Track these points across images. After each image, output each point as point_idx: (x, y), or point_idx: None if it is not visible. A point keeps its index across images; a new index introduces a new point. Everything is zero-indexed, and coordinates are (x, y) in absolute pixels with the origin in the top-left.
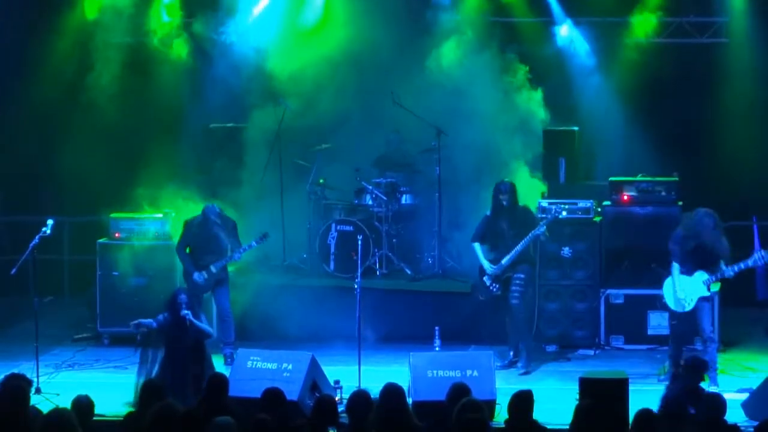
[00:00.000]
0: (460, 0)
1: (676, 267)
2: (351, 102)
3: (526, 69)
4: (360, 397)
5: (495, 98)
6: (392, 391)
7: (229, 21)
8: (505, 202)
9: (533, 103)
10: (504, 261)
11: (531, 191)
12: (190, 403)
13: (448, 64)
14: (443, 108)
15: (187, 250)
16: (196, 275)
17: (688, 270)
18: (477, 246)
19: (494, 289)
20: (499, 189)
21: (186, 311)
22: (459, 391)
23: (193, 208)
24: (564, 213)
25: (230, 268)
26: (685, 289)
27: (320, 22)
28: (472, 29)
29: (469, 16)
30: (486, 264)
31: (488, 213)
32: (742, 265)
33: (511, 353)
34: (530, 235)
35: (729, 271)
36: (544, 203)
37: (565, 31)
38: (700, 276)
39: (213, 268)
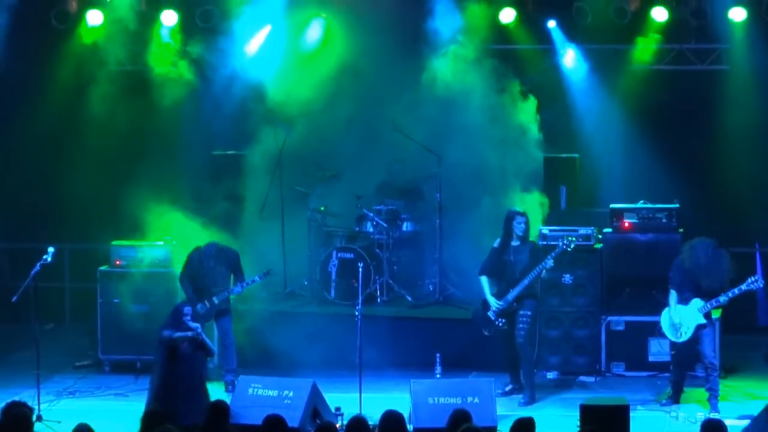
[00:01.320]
0: (461, 27)
1: (673, 295)
2: (351, 128)
3: (517, 82)
4: (358, 423)
5: (490, 112)
6: (392, 418)
7: (230, 48)
8: (520, 232)
9: (526, 114)
10: (510, 296)
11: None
12: (198, 419)
13: (444, 80)
14: (442, 129)
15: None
16: (198, 306)
17: (685, 299)
18: (484, 280)
19: (500, 324)
20: (513, 218)
21: (196, 324)
22: (460, 417)
23: (195, 236)
24: (572, 247)
25: (231, 297)
26: (682, 317)
27: (319, 49)
28: (471, 53)
29: (470, 44)
30: (492, 300)
31: (496, 245)
32: (736, 291)
33: (512, 384)
34: (537, 268)
35: (723, 297)
36: (545, 231)
37: (570, 58)
38: (696, 303)
39: (215, 300)
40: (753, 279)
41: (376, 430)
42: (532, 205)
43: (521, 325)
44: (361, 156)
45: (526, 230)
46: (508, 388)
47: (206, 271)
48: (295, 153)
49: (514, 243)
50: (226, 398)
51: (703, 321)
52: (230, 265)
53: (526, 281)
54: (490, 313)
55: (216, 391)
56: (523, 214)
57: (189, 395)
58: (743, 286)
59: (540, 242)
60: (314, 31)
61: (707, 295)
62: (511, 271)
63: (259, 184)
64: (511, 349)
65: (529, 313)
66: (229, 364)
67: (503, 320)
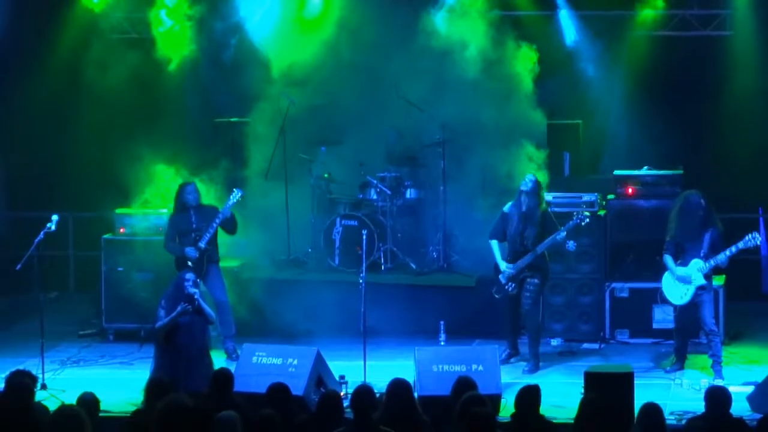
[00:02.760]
0: None
1: (669, 259)
2: (355, 94)
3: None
4: (364, 391)
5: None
6: (399, 386)
7: (232, 15)
8: (524, 187)
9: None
10: (520, 262)
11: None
12: (200, 388)
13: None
14: (443, 88)
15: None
16: (187, 250)
17: (684, 260)
18: (495, 243)
19: (510, 288)
20: (524, 177)
21: (194, 290)
22: (464, 385)
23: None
24: (587, 221)
25: (234, 263)
26: (684, 278)
27: (321, 14)
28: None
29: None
30: (503, 264)
31: (505, 210)
32: (733, 249)
33: (509, 349)
34: (550, 239)
35: (722, 255)
36: (549, 197)
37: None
38: (696, 264)
39: (201, 243)
40: (750, 236)
41: (383, 398)
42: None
43: (528, 293)
44: (364, 123)
45: (536, 190)
46: (504, 355)
47: (188, 209)
48: (299, 120)
49: (525, 207)
50: (230, 367)
51: (703, 282)
52: (210, 211)
53: (538, 250)
54: (501, 277)
55: (218, 360)
56: (532, 174)
57: (190, 365)
58: (740, 244)
59: (568, 220)
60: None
61: (704, 249)
62: (523, 238)
63: (262, 151)
64: (515, 315)
65: (536, 281)
66: (228, 331)
67: (513, 285)
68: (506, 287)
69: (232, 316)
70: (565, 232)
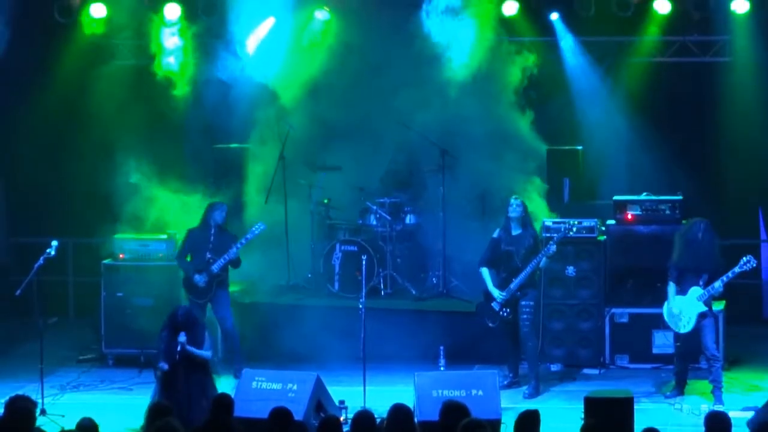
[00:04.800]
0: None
1: (672, 287)
2: (354, 121)
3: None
4: (365, 417)
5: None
6: (400, 412)
7: (232, 41)
8: (513, 214)
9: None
10: (513, 285)
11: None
12: (196, 421)
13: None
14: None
15: (188, 258)
16: (196, 277)
17: (682, 288)
18: (485, 271)
19: (504, 314)
20: (508, 203)
21: (182, 338)
22: (452, 409)
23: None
24: (574, 230)
25: (234, 288)
26: (682, 307)
27: (322, 41)
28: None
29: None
30: (495, 292)
31: (495, 236)
32: (730, 274)
33: (511, 374)
34: (540, 255)
35: (718, 282)
36: (549, 222)
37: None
38: (694, 292)
39: (214, 268)
40: (746, 260)
41: (383, 424)
42: (533, 194)
43: (525, 316)
44: (364, 148)
45: (523, 215)
46: (506, 381)
47: (209, 228)
48: (298, 145)
49: (515, 232)
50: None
51: (704, 308)
52: (230, 238)
53: (528, 269)
54: (494, 304)
55: (222, 382)
56: (516, 198)
57: (191, 400)
58: (736, 269)
59: (543, 234)
60: (317, 23)
61: (703, 278)
62: (513, 260)
63: (262, 177)
64: (514, 340)
65: (531, 303)
66: (236, 352)
67: (507, 310)
68: (501, 313)
69: (238, 339)
70: (554, 247)
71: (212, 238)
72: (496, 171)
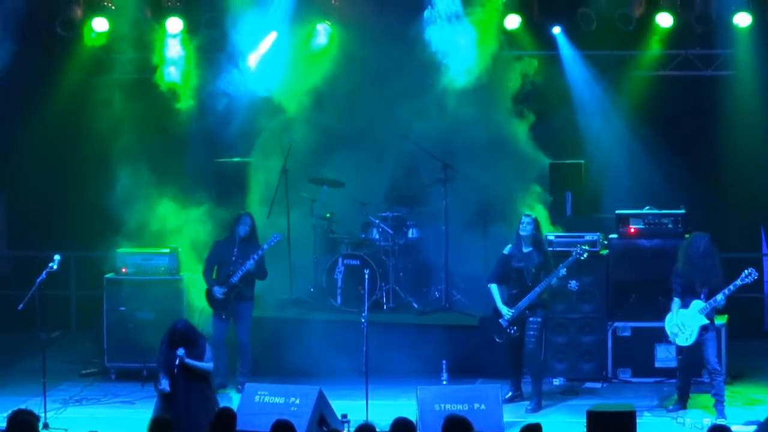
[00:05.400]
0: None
1: (676, 302)
2: (357, 133)
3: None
4: (366, 430)
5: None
6: (403, 426)
7: (235, 55)
8: (524, 232)
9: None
10: (522, 303)
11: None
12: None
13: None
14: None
15: (215, 271)
16: (215, 289)
17: (684, 302)
18: (494, 287)
19: (512, 332)
20: (520, 220)
21: (180, 349)
22: (455, 423)
23: (200, 242)
24: (585, 255)
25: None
26: (684, 321)
27: (324, 54)
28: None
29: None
30: (504, 309)
31: (505, 252)
32: (731, 287)
33: (513, 389)
34: (550, 277)
35: (720, 295)
36: (551, 236)
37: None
38: (696, 305)
39: (233, 279)
40: (747, 272)
41: None
42: (536, 207)
43: (531, 332)
44: (366, 162)
45: (535, 232)
46: (508, 395)
47: (234, 240)
48: (301, 159)
49: (526, 249)
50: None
51: (706, 321)
52: (253, 249)
53: (538, 289)
54: (501, 321)
55: (228, 395)
56: (528, 215)
57: (190, 412)
58: (738, 281)
59: (566, 256)
60: (319, 37)
61: (705, 291)
62: (522, 278)
63: (264, 191)
64: (518, 356)
65: (539, 320)
66: (243, 367)
67: (515, 328)
68: (508, 330)
69: (250, 355)
70: (565, 270)
71: (236, 250)
72: (498, 183)
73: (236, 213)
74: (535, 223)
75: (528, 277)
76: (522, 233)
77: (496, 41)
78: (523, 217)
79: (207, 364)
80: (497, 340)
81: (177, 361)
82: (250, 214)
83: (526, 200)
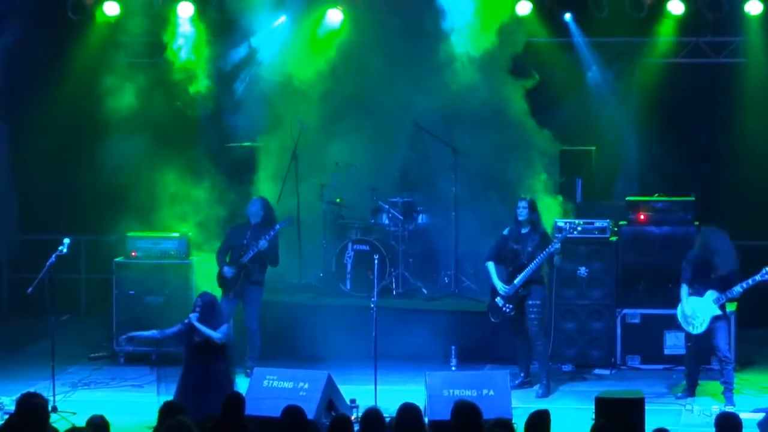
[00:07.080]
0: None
1: (684, 289)
2: (367, 120)
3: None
4: (373, 415)
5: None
6: (409, 411)
7: (245, 39)
8: (520, 217)
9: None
10: (517, 280)
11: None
12: (214, 406)
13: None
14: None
15: (228, 255)
16: (225, 268)
17: (698, 290)
18: (491, 265)
19: (507, 310)
20: (517, 203)
21: (194, 313)
22: (464, 409)
23: (209, 228)
24: (578, 230)
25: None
26: (696, 309)
27: (335, 39)
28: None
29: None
30: (499, 285)
31: (505, 233)
32: (750, 281)
33: (522, 374)
34: (544, 252)
35: (737, 288)
36: (561, 223)
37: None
38: (710, 295)
39: (243, 259)
40: (766, 270)
41: (393, 423)
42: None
43: (532, 316)
44: (376, 147)
45: (531, 215)
46: (517, 381)
47: (249, 225)
48: (311, 144)
49: (524, 230)
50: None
51: (719, 312)
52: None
53: (533, 265)
54: (497, 299)
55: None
56: (524, 199)
57: (204, 390)
58: (757, 277)
59: (556, 234)
60: (330, 21)
61: (720, 285)
62: (519, 257)
63: (274, 176)
64: (523, 339)
65: (538, 302)
66: (252, 352)
67: (511, 306)
68: (504, 309)
69: (259, 339)
70: (559, 244)
71: (248, 233)
72: (508, 169)
73: (250, 198)
74: (531, 206)
75: (524, 257)
76: (519, 218)
77: (511, 23)
78: (519, 201)
79: (216, 333)
80: (492, 320)
81: (186, 321)
82: (263, 198)
83: (537, 186)
